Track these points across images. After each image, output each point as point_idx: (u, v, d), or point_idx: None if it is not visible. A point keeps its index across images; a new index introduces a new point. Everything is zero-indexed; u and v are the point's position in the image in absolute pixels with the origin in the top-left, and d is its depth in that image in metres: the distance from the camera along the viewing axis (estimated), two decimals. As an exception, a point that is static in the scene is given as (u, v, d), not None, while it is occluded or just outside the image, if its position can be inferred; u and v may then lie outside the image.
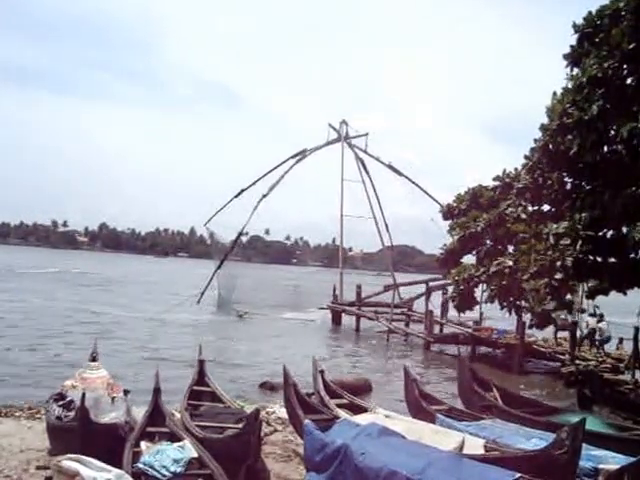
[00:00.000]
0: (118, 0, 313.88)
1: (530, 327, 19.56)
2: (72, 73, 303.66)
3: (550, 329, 21.74)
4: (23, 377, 15.42)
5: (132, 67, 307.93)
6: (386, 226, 40.07)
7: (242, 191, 39.43)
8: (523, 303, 19.02)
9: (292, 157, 39.82)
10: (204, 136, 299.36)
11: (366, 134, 40.25)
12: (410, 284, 35.60)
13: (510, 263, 18.63)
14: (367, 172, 40.49)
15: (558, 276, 13.82)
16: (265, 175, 39.59)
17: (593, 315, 21.44)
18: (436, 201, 34.34)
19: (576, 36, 12.92)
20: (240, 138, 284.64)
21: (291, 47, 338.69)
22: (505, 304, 20.15)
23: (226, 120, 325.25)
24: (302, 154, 39.79)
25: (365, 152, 40.21)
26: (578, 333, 21.01)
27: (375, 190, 40.39)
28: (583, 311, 21.63)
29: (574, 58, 12.91)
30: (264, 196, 38.75)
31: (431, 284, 30.95)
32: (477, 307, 25.54)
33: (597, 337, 21.36)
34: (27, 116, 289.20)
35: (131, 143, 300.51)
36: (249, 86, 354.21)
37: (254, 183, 39.62)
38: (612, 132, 12.07)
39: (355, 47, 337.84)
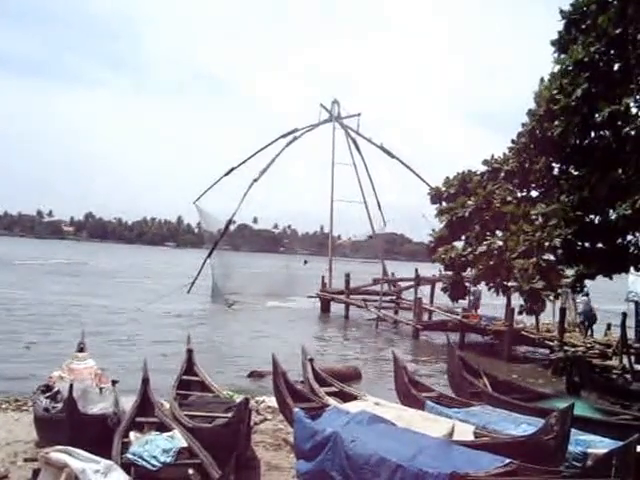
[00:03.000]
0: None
1: (520, 313, 19.57)
2: (56, 60, 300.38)
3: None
4: (9, 369, 15.29)
5: (116, 54, 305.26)
6: (378, 205, 39.72)
7: (232, 169, 38.67)
8: (511, 284, 19.02)
9: (282, 136, 38.91)
10: (191, 124, 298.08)
11: (358, 114, 39.71)
12: (399, 280, 35.34)
13: (500, 243, 18.58)
14: (359, 152, 39.96)
15: (546, 256, 13.87)
16: (255, 154, 38.91)
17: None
18: (427, 184, 34.10)
19: (563, 22, 12.92)
20: (228, 126, 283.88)
21: (281, 34, 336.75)
22: (492, 285, 20.16)
23: (213, 107, 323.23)
24: (292, 134, 38.94)
25: (357, 133, 39.75)
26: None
27: (367, 169, 39.91)
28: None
29: (561, 44, 12.91)
30: (255, 181, 37.97)
31: (421, 276, 30.81)
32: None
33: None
34: (9, 104, 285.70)
35: (116, 131, 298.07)
36: (236, 73, 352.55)
37: (244, 162, 38.91)
38: (597, 116, 12.12)
39: (346, 35, 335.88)
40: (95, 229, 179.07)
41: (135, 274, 56.98)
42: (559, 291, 18.59)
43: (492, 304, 26.27)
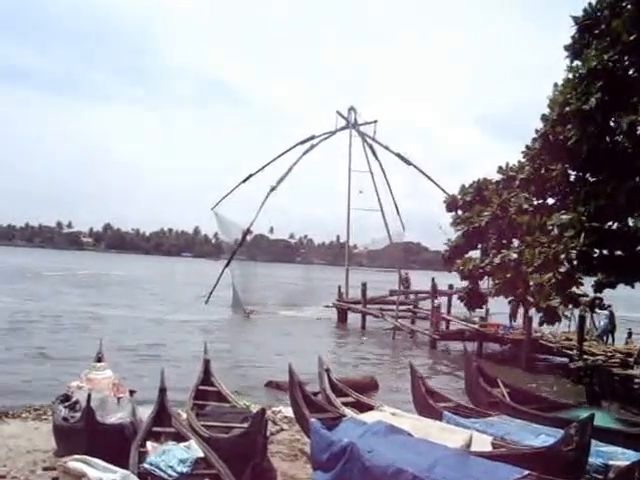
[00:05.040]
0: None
1: (540, 324, 19.41)
2: (74, 74, 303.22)
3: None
4: (30, 378, 15.43)
5: (134, 67, 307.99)
6: (397, 210, 39.38)
7: (250, 176, 38.37)
8: (529, 297, 18.88)
9: (300, 143, 38.47)
10: (208, 135, 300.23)
11: (375, 121, 39.19)
12: (416, 292, 35.14)
13: (515, 256, 18.44)
14: (377, 158, 39.37)
15: (563, 269, 13.73)
16: (273, 161, 38.54)
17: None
18: (444, 191, 33.86)
19: (576, 28, 12.84)
20: (244, 136, 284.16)
21: (294, 45, 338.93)
22: (512, 297, 20.03)
23: (230, 119, 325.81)
24: (310, 141, 38.53)
25: (374, 140, 39.29)
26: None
27: (385, 175, 39.17)
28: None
29: (575, 50, 12.84)
30: (272, 189, 37.57)
31: (438, 289, 30.62)
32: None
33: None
34: (30, 118, 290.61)
35: (134, 143, 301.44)
36: (252, 84, 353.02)
37: (262, 168, 38.56)
38: (612, 124, 12.01)
39: (357, 45, 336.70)
40: (113, 240, 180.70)
41: (156, 284, 57.65)
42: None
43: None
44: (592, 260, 12.90)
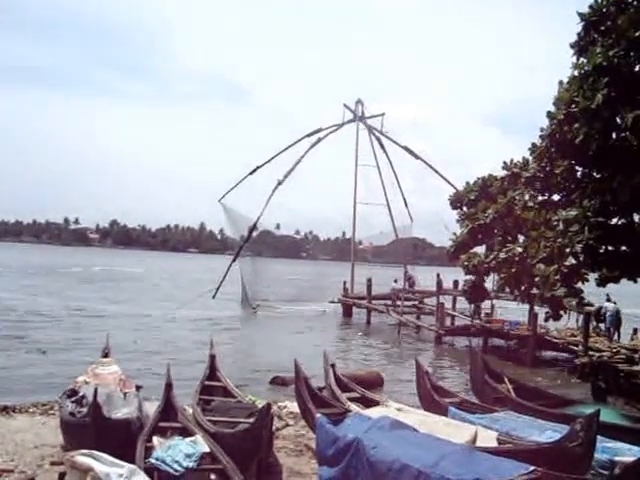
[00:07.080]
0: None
1: (546, 320, 19.39)
2: (82, 71, 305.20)
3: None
4: (37, 373, 15.52)
5: (142, 64, 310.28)
6: (405, 202, 39.34)
7: (257, 168, 38.10)
8: (534, 291, 18.84)
9: (307, 136, 38.27)
10: (214, 132, 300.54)
11: (382, 114, 39.25)
12: (421, 292, 34.83)
13: (520, 250, 18.41)
14: (384, 151, 39.39)
15: (568, 262, 13.69)
16: (280, 153, 38.23)
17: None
18: (451, 185, 33.73)
19: (582, 25, 12.76)
20: (251, 133, 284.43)
21: (300, 43, 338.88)
22: (517, 292, 20.00)
23: (237, 115, 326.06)
24: (317, 133, 38.38)
25: (381, 133, 39.28)
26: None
27: (393, 167, 39.39)
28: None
29: (580, 47, 12.76)
30: (279, 183, 37.26)
31: (444, 289, 30.55)
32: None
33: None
34: (38, 115, 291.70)
35: (140, 140, 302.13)
36: (259, 81, 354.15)
37: (269, 161, 38.26)
38: (619, 120, 11.94)
39: (365, 41, 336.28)
40: (120, 236, 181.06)
41: (170, 281, 58.09)
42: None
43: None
44: (597, 255, 12.85)
